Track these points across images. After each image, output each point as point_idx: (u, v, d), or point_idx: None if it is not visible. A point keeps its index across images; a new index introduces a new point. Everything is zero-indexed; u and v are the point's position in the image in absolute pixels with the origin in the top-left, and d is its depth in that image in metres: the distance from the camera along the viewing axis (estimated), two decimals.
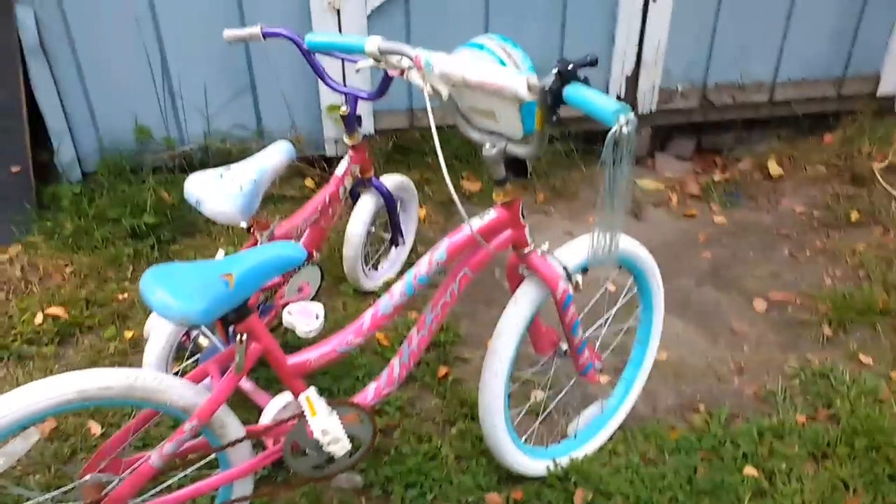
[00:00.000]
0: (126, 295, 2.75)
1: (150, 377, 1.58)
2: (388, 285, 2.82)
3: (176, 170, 3.18)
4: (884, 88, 3.62)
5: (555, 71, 1.38)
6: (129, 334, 2.58)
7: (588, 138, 3.57)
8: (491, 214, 1.79)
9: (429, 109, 1.63)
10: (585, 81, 1.40)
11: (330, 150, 3.30)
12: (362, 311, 2.66)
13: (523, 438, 2.13)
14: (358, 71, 1.85)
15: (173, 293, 1.46)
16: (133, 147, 3.15)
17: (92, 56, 3.01)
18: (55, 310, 2.64)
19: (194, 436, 1.63)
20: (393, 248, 2.85)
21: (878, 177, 3.43)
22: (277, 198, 3.25)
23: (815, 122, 3.71)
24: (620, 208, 1.40)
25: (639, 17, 3.23)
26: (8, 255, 2.91)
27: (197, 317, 1.47)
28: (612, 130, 1.27)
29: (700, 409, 2.38)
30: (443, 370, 2.48)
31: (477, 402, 2.31)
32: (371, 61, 1.81)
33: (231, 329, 1.60)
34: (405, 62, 1.73)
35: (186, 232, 3.07)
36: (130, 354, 2.52)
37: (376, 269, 2.86)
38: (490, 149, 1.67)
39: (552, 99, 1.40)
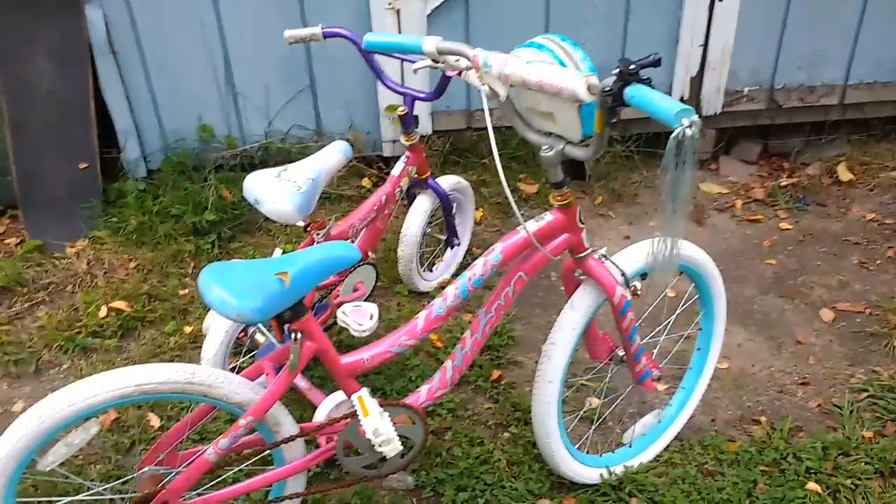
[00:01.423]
0: (186, 291, 2.80)
1: (207, 373, 1.60)
2: (442, 287, 2.81)
3: (237, 168, 3.23)
4: None
5: (616, 71, 1.35)
6: (188, 329, 2.63)
7: (648, 141, 3.50)
8: (547, 217, 1.76)
9: (486, 110, 1.61)
10: (647, 82, 1.36)
11: (387, 151, 3.31)
12: (416, 312, 2.67)
13: (577, 445, 2.10)
14: (416, 71, 1.84)
15: (230, 291, 1.47)
16: (196, 146, 3.22)
17: (158, 57, 3.09)
18: (119, 304, 2.71)
19: (249, 432, 1.64)
20: (448, 249, 2.85)
21: None
22: (334, 197, 3.27)
23: (888, 126, 3.56)
24: (682, 213, 1.36)
25: (704, 18, 3.15)
26: (75, 249, 3.00)
27: (253, 315, 1.49)
28: (675, 132, 1.23)
29: (762, 421, 2.31)
30: (496, 373, 2.45)
31: (530, 406, 2.29)
32: (429, 62, 1.80)
33: (286, 328, 1.60)
34: (463, 62, 1.71)
35: (246, 230, 3.11)
36: (190, 349, 2.57)
37: (431, 270, 2.86)
38: (548, 150, 1.64)
39: (613, 100, 1.37)
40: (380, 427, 1.63)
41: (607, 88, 1.36)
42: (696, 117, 1.23)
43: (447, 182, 2.66)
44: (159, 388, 1.54)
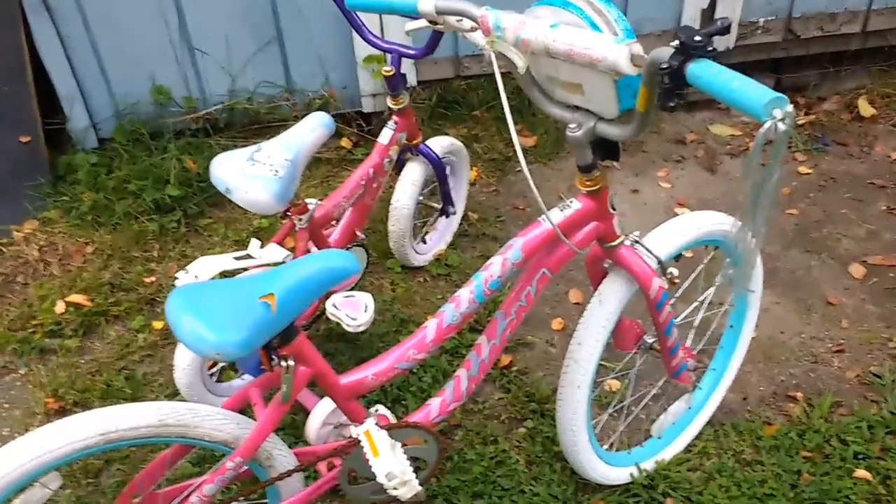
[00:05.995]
0: (153, 278, 2.51)
1: (183, 410, 1.38)
2: (438, 259, 2.55)
3: (200, 133, 2.90)
4: None
5: (675, 43, 1.07)
6: (158, 325, 2.35)
7: None
8: (574, 205, 1.51)
9: (497, 74, 1.35)
10: (713, 55, 1.08)
11: (367, 106, 2.99)
12: (412, 290, 2.45)
13: (605, 446, 1.89)
14: (409, 33, 1.55)
15: (206, 323, 1.23)
16: (151, 110, 2.87)
17: (100, 9, 2.70)
18: (77, 297, 2.42)
19: (238, 473, 1.42)
20: (442, 217, 2.57)
21: None
22: (312, 161, 2.95)
23: None
24: (764, 218, 1.11)
25: None
26: (23, 233, 2.68)
27: (235, 350, 1.25)
28: (765, 128, 0.96)
29: (798, 397, 2.13)
30: (505, 359, 2.23)
31: (546, 396, 2.10)
32: (424, 22, 1.51)
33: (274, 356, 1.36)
34: (466, 24, 1.43)
35: (216, 203, 2.79)
36: (161, 347, 2.30)
37: (424, 242, 2.58)
38: (575, 130, 1.38)
39: (671, 80, 1.08)
40: (394, 469, 1.39)
41: (664, 65, 1.08)
42: (790, 107, 0.96)
43: (439, 145, 2.37)
44: (128, 435, 1.32)
